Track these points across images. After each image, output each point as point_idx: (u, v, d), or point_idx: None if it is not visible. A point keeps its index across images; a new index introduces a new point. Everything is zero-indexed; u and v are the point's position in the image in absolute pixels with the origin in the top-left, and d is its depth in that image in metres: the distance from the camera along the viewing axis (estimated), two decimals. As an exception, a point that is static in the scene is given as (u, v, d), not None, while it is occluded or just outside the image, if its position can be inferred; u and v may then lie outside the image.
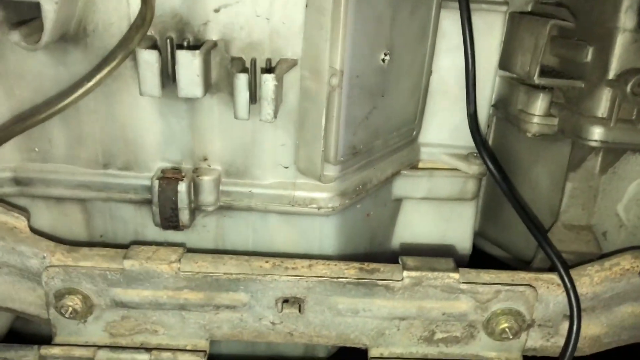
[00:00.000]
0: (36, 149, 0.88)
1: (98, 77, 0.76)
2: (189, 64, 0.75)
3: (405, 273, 0.83)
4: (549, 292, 0.85)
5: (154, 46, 0.78)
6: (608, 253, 0.95)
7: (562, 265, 0.84)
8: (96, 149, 0.88)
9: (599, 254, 0.96)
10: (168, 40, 0.79)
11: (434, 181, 1.05)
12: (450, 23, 0.97)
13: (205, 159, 0.89)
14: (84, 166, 0.89)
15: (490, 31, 1.00)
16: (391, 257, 1.07)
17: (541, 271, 0.88)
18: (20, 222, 0.83)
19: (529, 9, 1.02)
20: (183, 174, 0.87)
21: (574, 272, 0.86)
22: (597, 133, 0.89)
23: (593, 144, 0.89)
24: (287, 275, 0.82)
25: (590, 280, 0.87)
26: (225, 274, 0.82)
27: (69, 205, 0.93)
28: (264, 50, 0.81)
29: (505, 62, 1.02)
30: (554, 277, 0.85)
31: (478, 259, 1.17)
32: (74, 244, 0.87)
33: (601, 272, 0.87)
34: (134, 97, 0.83)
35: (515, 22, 0.99)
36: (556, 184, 1.00)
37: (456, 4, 0.93)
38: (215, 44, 0.80)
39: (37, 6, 0.73)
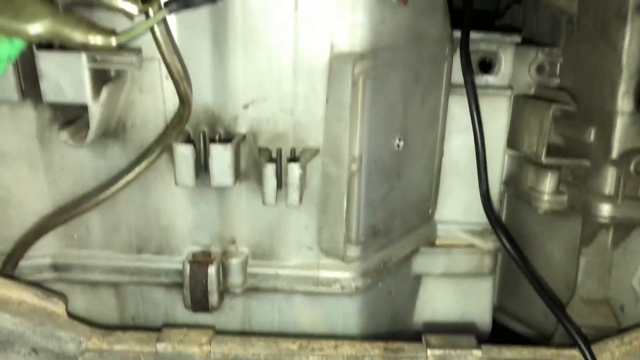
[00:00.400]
0: (75, 236, 0.93)
1: (137, 170, 0.83)
2: (221, 156, 0.82)
3: (429, 351, 0.84)
4: (571, 368, 0.86)
5: (188, 140, 0.85)
6: (627, 327, 0.96)
7: (583, 341, 0.86)
8: (131, 234, 0.93)
9: (618, 328, 0.97)
10: (201, 134, 0.86)
11: (452, 257, 1.09)
12: (458, 107, 1.03)
13: (233, 242, 0.94)
14: (119, 251, 0.94)
15: (497, 114, 1.06)
16: (413, 334, 1.09)
17: (562, 347, 0.89)
18: (59, 308, 0.87)
19: (532, 92, 1.09)
20: (212, 257, 0.92)
21: (595, 348, 0.87)
22: (605, 210, 0.93)
23: (603, 220, 0.93)
24: (314, 356, 0.84)
25: (611, 356, 0.88)
26: (254, 355, 0.84)
27: (103, 289, 0.97)
28: (289, 141, 0.87)
29: (513, 142, 1.07)
30: (575, 353, 0.87)
31: (498, 333, 1.18)
32: (107, 326, 0.90)
33: (622, 346, 0.88)
34: (168, 186, 0.89)
35: (520, 104, 1.05)
36: (570, 258, 1.03)
37: (463, 90, 1.00)
38: (244, 137, 0.86)
39: (82, 106, 0.81)
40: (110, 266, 0.94)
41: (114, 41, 0.53)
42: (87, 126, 0.81)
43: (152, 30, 0.67)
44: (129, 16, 0.55)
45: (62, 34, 0.51)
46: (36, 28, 0.50)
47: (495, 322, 1.18)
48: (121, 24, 0.67)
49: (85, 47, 0.52)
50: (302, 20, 0.81)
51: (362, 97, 0.83)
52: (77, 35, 0.51)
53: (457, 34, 0.99)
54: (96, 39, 0.51)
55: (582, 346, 0.86)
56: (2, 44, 0.50)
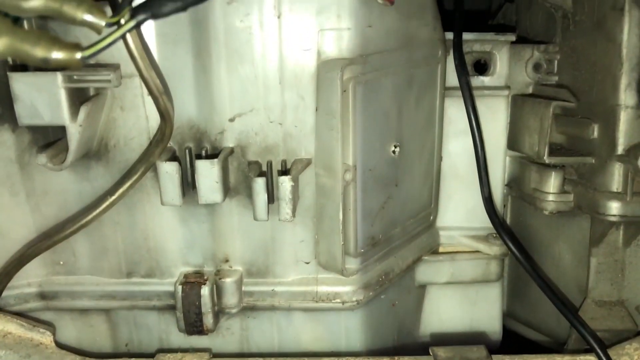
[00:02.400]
0: (61, 262, 0.90)
1: (121, 190, 0.79)
2: (208, 172, 0.78)
3: (437, 365, 0.80)
4: (588, 375, 0.82)
5: (173, 157, 0.82)
6: (644, 329, 0.92)
7: (599, 345, 0.82)
8: (119, 258, 0.89)
9: (635, 330, 0.93)
10: (187, 151, 0.82)
11: (456, 265, 1.05)
12: (455, 110, 1.00)
13: (227, 261, 0.90)
14: (108, 276, 0.90)
15: (495, 115, 1.03)
16: (420, 347, 1.05)
17: (577, 353, 0.85)
18: (46, 338, 0.83)
19: (530, 91, 1.05)
20: (205, 277, 0.88)
21: (612, 352, 0.83)
22: (614, 208, 0.89)
23: (612, 218, 0.89)
24: (316, 376, 0.80)
25: (630, 360, 0.84)
26: (252, 378, 0.80)
27: (94, 316, 0.93)
28: (279, 153, 0.84)
29: (513, 143, 1.04)
30: (591, 358, 0.82)
31: (509, 341, 1.13)
32: (100, 355, 0.86)
33: (640, 350, 0.84)
34: (155, 206, 0.85)
35: (519, 104, 1.02)
36: (580, 259, 0.99)
37: (459, 92, 0.97)
38: (232, 151, 0.83)
39: (62, 128, 0.77)
40: (100, 292, 0.90)
41: (78, 55, 0.49)
42: (67, 148, 0.78)
43: (126, 44, 0.64)
44: (97, 30, 0.52)
45: (22, 51, 0.47)
46: (-9, 45, 0.46)
47: (506, 330, 1.13)
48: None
49: (47, 64, 0.48)
50: (285, 28, 0.78)
51: (353, 103, 0.80)
52: (38, 52, 0.47)
53: (450, 35, 0.96)
54: (58, 54, 0.48)
55: (599, 351, 0.82)
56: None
